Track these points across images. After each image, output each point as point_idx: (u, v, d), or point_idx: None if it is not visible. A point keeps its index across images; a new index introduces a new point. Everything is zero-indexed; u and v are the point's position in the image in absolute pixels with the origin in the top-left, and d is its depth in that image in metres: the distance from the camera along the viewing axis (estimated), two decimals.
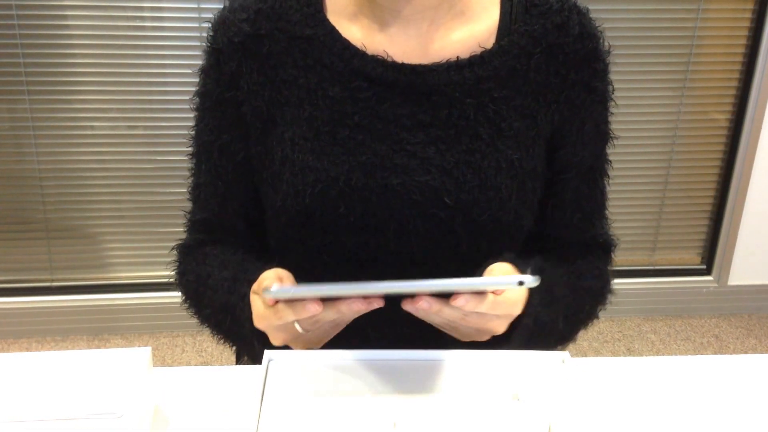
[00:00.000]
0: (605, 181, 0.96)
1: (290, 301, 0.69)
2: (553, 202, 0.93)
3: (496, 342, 0.80)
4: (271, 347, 0.80)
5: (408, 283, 0.65)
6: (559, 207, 0.93)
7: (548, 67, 0.86)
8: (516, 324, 0.78)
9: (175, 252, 0.97)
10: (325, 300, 0.69)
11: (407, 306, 0.69)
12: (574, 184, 0.92)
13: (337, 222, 0.84)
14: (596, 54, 0.88)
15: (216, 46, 0.88)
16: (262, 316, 0.74)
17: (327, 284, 0.64)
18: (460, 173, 0.84)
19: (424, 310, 0.68)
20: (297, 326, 0.74)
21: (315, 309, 0.67)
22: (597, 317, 0.96)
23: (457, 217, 0.84)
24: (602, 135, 0.93)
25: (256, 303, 0.75)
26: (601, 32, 0.89)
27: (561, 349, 0.83)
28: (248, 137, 0.89)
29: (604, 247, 0.98)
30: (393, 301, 0.89)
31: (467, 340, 0.80)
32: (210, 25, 0.89)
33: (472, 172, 0.84)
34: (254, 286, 0.77)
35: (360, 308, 0.69)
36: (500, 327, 0.76)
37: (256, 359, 0.77)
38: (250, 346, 0.82)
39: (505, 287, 0.69)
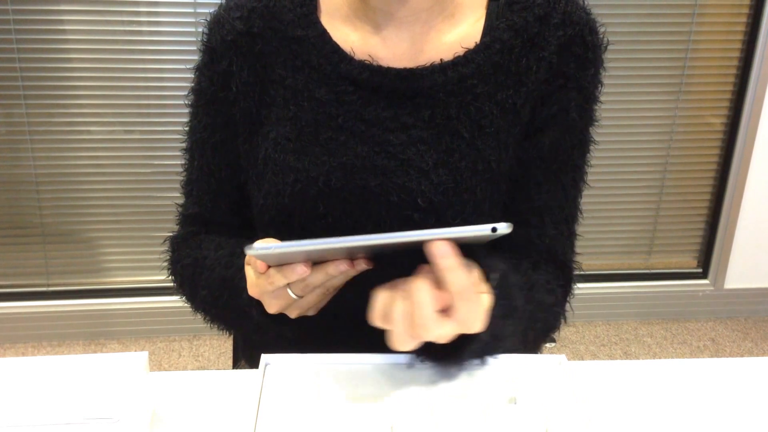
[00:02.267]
0: (573, 187, 0.90)
1: (280, 266, 0.72)
2: (508, 194, 0.89)
3: (443, 354, 0.75)
4: (268, 318, 0.81)
5: (384, 236, 0.65)
6: (510, 195, 0.89)
7: (529, 58, 0.85)
8: (468, 337, 0.71)
9: (167, 243, 0.98)
10: (314, 263, 0.71)
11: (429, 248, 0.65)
12: (526, 171, 0.88)
13: (316, 222, 0.85)
14: (579, 41, 0.84)
15: (210, 45, 0.88)
16: (254, 284, 0.76)
17: (308, 240, 0.65)
18: (436, 175, 0.84)
19: (442, 255, 0.64)
20: (289, 292, 0.75)
21: (303, 271, 0.70)
22: (544, 340, 0.89)
23: (430, 220, 0.84)
24: (571, 128, 0.87)
25: (249, 272, 0.77)
26: (595, 22, 0.85)
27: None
28: (239, 136, 0.90)
29: (559, 263, 0.91)
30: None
31: (403, 342, 0.68)
32: (205, 23, 0.90)
33: (448, 173, 0.84)
34: (246, 258, 0.79)
35: (346, 269, 0.72)
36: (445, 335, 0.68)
37: (254, 352, 0.77)
38: (247, 320, 0.83)
39: (478, 233, 0.64)
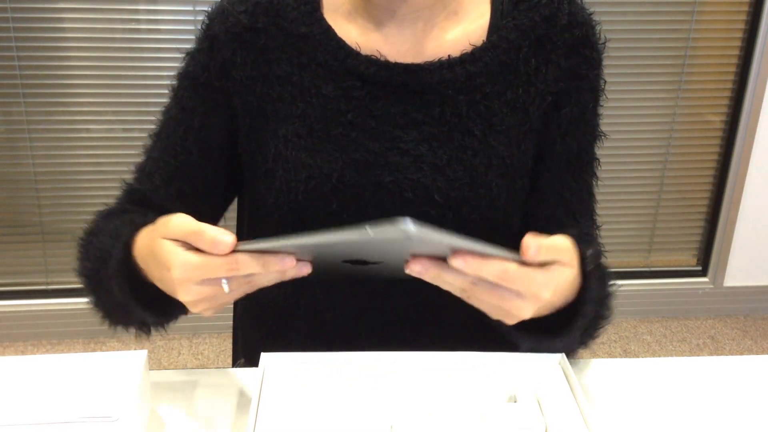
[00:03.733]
0: (592, 182, 0.93)
1: (254, 253, 0.65)
2: (536, 195, 0.91)
3: (529, 337, 0.76)
4: (134, 298, 0.75)
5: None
6: (542, 200, 0.91)
7: (537, 59, 0.86)
8: (566, 316, 0.73)
9: (94, 216, 0.91)
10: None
11: (409, 269, 0.64)
12: (557, 175, 0.90)
13: (330, 219, 0.84)
14: (586, 41, 0.87)
15: (211, 33, 0.87)
16: (195, 265, 0.66)
17: (295, 235, 0.61)
18: (451, 171, 0.84)
19: (418, 273, 0.63)
20: (224, 285, 0.67)
21: (291, 263, 0.64)
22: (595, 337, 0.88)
23: (447, 215, 0.84)
24: (589, 126, 0.90)
25: (176, 251, 0.67)
26: (595, 21, 0.88)
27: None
28: (229, 128, 0.89)
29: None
30: (383, 300, 0.90)
31: (494, 317, 0.70)
32: (206, 14, 0.89)
33: (464, 169, 0.84)
34: (162, 230, 0.69)
35: (293, 265, 0.65)
36: (523, 311, 0.67)
37: (254, 351, 0.74)
38: (111, 297, 0.78)
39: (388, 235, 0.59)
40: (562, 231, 0.89)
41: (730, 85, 2.41)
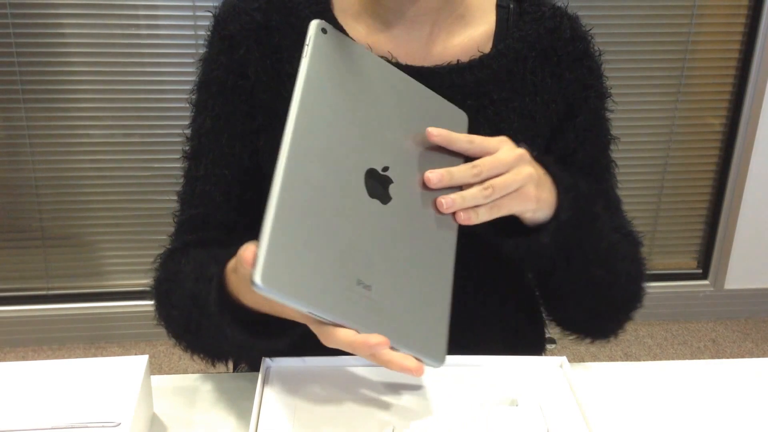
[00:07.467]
0: (614, 183, 0.97)
1: None
2: None
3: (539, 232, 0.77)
4: (249, 333, 0.73)
5: None
6: None
7: (543, 69, 0.88)
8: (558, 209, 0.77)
9: (156, 262, 0.89)
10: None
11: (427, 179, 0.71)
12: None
13: None
14: (587, 54, 0.91)
15: (227, 33, 0.86)
16: None
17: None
18: None
19: (436, 182, 0.70)
20: None
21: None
22: (628, 308, 0.90)
23: None
24: (602, 131, 0.94)
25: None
26: (591, 35, 0.92)
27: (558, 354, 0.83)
28: (258, 129, 0.88)
29: (630, 237, 0.97)
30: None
31: (524, 212, 0.76)
32: (214, 14, 0.88)
33: None
34: (232, 263, 0.71)
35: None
36: (535, 191, 0.74)
37: (253, 367, 0.75)
38: (224, 341, 0.76)
39: None
40: None
41: (729, 88, 2.42)
